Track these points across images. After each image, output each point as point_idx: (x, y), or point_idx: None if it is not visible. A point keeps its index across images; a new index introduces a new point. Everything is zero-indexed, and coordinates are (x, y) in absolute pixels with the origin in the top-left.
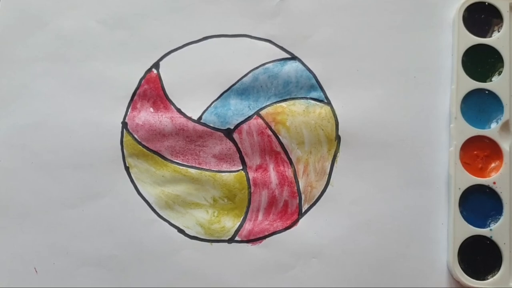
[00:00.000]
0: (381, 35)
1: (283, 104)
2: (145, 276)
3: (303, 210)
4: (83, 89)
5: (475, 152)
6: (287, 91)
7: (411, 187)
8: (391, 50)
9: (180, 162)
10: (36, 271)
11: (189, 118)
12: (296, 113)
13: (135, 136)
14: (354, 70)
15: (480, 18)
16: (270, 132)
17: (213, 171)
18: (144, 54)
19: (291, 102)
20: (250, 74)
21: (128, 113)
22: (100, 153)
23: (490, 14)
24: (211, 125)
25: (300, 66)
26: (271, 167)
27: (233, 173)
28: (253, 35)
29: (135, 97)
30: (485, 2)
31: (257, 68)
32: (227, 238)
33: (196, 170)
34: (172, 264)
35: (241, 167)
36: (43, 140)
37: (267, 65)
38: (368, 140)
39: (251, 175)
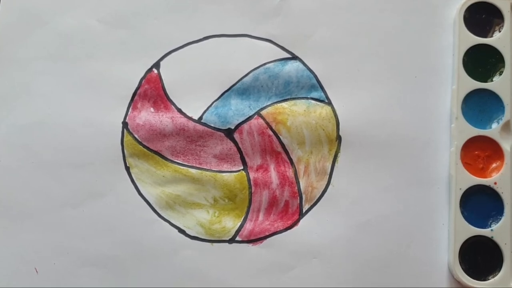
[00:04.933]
0: (382, 35)
1: (284, 104)
2: (146, 276)
3: (304, 210)
4: (83, 88)
5: (476, 152)
6: (288, 91)
7: (412, 187)
8: (392, 50)
9: (180, 162)
10: (37, 271)
11: (190, 118)
12: (296, 113)
13: (136, 136)
14: (355, 70)
15: (481, 18)
16: (270, 132)
17: (214, 171)
18: (145, 54)
19: (292, 102)
20: (250, 74)
21: (129, 113)
22: (100, 153)
23: (491, 14)
24: (212, 125)
25: (301, 66)
26: (271, 167)
27: (234, 173)
28: (253, 35)
29: (136, 97)
30: (486, 2)
31: (257, 68)
32: (227, 238)
33: (197, 170)
34: (173, 264)
35: (242, 167)
36: (44, 139)
37: (267, 65)
38: (369, 140)
39: (252, 175)
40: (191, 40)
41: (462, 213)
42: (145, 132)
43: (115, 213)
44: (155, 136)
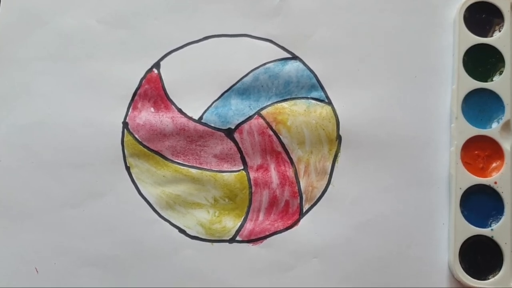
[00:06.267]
0: (382, 35)
1: (284, 104)
2: (146, 276)
3: (304, 210)
4: (83, 88)
5: (476, 152)
6: (288, 91)
7: (412, 187)
8: (392, 50)
9: (181, 162)
10: (37, 271)
11: (190, 118)
12: (297, 113)
13: (136, 136)
14: (355, 70)
15: (481, 18)
16: (271, 132)
17: (214, 171)
18: (145, 54)
19: (292, 102)
20: (251, 74)
21: (129, 113)
22: (100, 153)
23: (491, 13)
24: (212, 125)
25: (301, 66)
26: (272, 167)
27: (234, 173)
28: (253, 34)
29: (136, 97)
30: (486, 2)
31: (257, 68)
32: (228, 238)
33: (197, 170)
34: (173, 264)
35: (242, 167)
36: (44, 139)
37: (267, 65)
38: (369, 140)
39: (252, 175)
40: (191, 40)
41: (462, 212)
42: (145, 132)
43: (115, 213)
44: (155, 136)
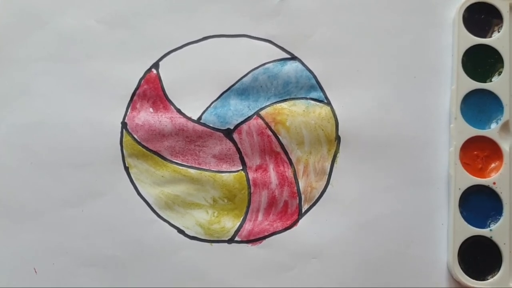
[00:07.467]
0: (381, 35)
1: (283, 104)
2: (145, 276)
3: (303, 211)
4: (83, 88)
5: (475, 153)
6: (287, 91)
7: (411, 187)
8: (391, 50)
9: (179, 162)
10: (36, 271)
11: (189, 118)
12: (296, 113)
13: (135, 136)
14: (354, 70)
15: (480, 18)
16: (270, 132)
17: (213, 171)
18: (144, 54)
19: (291, 102)
20: (250, 74)
21: (128, 113)
22: (100, 153)
23: (490, 14)
24: (211, 125)
25: (300, 66)
26: (271, 167)
27: (233, 174)
28: (253, 35)
29: (135, 97)
30: (485, 2)
31: (257, 68)
32: (227, 239)
33: (196, 171)
34: (172, 264)
35: (241, 168)
36: (43, 139)
37: (267, 65)
38: (368, 140)
39: (251, 175)
40: (190, 40)
41: (461, 213)
42: (144, 132)
43: (115, 213)
44: (154, 136)
